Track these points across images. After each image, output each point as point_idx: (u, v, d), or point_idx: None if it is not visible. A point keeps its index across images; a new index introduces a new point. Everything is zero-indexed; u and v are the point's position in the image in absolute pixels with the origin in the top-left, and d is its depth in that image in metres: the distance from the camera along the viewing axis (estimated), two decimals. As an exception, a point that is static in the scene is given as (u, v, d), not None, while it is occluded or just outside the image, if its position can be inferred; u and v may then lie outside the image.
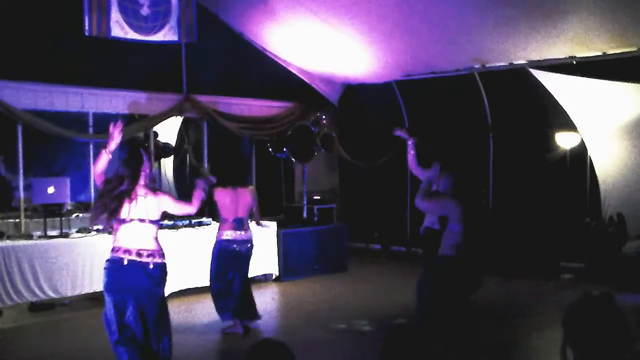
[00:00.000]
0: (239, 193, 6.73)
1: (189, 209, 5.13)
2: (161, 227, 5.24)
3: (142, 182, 4.83)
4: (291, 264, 9.57)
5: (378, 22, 9.13)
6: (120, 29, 8.51)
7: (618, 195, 9.33)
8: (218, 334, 6.73)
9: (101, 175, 4.79)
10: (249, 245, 6.76)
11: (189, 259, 8.23)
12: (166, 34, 8.99)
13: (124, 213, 4.74)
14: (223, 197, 6.68)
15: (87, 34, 8.25)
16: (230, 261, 6.69)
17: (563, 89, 9.18)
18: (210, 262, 6.84)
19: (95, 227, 8.20)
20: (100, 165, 4.79)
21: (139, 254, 4.75)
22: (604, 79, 8.57)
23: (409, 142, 6.43)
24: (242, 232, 6.69)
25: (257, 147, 10.94)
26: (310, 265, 9.80)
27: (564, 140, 9.55)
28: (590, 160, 9.54)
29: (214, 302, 6.85)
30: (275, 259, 9.40)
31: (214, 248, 6.82)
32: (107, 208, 4.69)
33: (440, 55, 9.82)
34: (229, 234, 6.67)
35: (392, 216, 11.75)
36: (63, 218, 8.09)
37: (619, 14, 7.61)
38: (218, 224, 6.92)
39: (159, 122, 9.59)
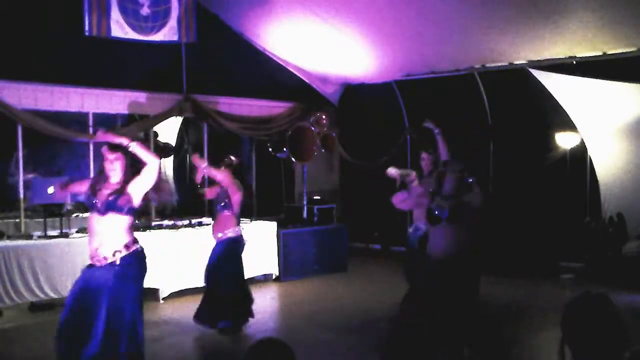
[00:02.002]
0: None
1: None
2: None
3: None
4: (291, 264, 9.57)
5: (378, 21, 9.13)
6: (120, 29, 8.51)
7: (618, 195, 9.33)
8: (218, 334, 6.71)
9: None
10: None
11: (188, 259, 8.23)
12: (166, 34, 8.99)
13: None
14: (240, 192, 6.87)
15: (87, 34, 8.25)
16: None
17: (563, 89, 9.18)
18: (233, 265, 6.83)
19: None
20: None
21: None
22: (604, 79, 8.57)
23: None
24: None
25: (257, 147, 10.94)
26: (310, 265, 9.81)
27: (564, 140, 9.56)
28: (590, 160, 9.55)
29: (236, 310, 6.75)
30: (275, 259, 9.41)
31: (237, 247, 6.84)
32: None
33: (440, 55, 9.81)
34: (239, 229, 6.89)
35: (392, 216, 11.75)
36: (63, 218, 8.09)
37: (619, 14, 7.61)
38: (233, 221, 6.89)
39: (159, 122, 9.59)
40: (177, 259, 8.29)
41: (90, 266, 4.71)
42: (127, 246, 4.74)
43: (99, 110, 8.92)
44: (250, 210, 10.42)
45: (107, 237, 4.68)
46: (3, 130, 8.31)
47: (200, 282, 8.19)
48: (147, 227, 8.51)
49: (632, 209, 9.10)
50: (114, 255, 4.67)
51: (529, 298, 8.19)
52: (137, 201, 4.76)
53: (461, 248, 5.20)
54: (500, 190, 10.37)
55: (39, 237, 7.64)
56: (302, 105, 11.13)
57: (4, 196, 9.33)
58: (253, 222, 9.58)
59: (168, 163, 11.86)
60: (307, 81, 11.40)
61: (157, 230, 8.46)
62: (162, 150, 10.92)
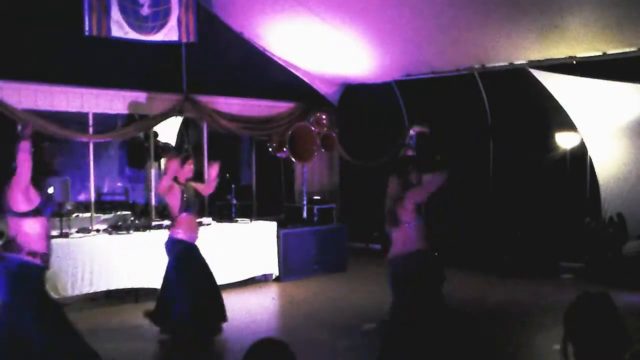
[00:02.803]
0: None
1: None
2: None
3: None
4: (291, 264, 9.57)
5: (378, 22, 9.13)
6: (120, 29, 8.51)
7: (618, 195, 9.33)
8: (217, 335, 6.70)
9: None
10: (165, 244, 6.53)
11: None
12: (166, 34, 8.99)
13: None
14: None
15: (87, 34, 8.25)
16: None
17: (563, 89, 9.18)
18: None
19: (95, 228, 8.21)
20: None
21: None
22: (604, 79, 8.57)
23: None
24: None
25: (257, 147, 10.94)
26: (310, 265, 9.81)
27: (564, 140, 9.56)
28: (590, 160, 9.55)
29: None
30: (275, 259, 9.41)
31: None
32: None
33: (440, 55, 9.82)
34: None
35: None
36: (63, 218, 8.08)
37: (619, 13, 7.61)
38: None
39: (159, 122, 9.58)
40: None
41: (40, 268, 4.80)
42: None
43: (98, 110, 8.91)
44: (250, 210, 10.43)
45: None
46: (3, 130, 8.30)
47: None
48: (147, 227, 8.51)
49: (632, 209, 9.10)
50: None
51: (529, 298, 8.19)
52: None
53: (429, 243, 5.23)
54: (500, 190, 10.37)
55: (39, 237, 7.62)
56: (302, 105, 11.13)
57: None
58: (253, 222, 9.58)
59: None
60: (307, 81, 11.40)
61: (157, 230, 8.45)
62: (162, 150, 10.92)
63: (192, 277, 6.39)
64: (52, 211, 5.24)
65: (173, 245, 6.38)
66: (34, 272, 4.76)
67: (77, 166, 9.84)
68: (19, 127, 4.84)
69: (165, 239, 6.49)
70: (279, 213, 10.64)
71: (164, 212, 10.48)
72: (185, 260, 6.39)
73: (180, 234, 6.37)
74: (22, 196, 4.71)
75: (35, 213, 4.74)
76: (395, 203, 5.03)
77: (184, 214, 6.38)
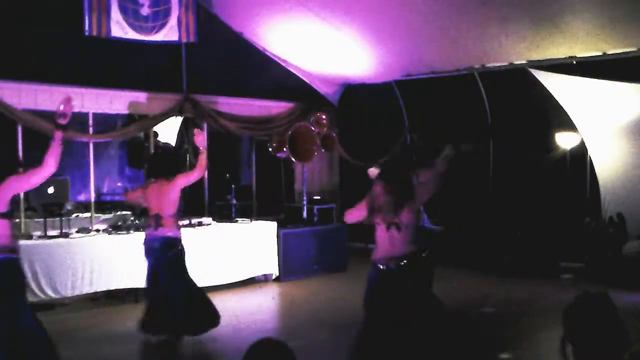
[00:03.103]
0: (162, 187, 6.26)
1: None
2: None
3: None
4: (291, 264, 9.57)
5: (378, 21, 9.13)
6: (120, 29, 8.51)
7: (618, 195, 9.33)
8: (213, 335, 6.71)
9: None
10: (157, 244, 6.16)
11: (188, 259, 8.20)
12: (166, 34, 8.99)
13: None
14: (149, 192, 6.33)
15: (87, 34, 8.26)
16: (149, 261, 6.30)
17: (563, 89, 9.18)
18: None
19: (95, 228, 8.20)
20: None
21: None
22: (604, 79, 8.57)
23: None
24: (154, 230, 6.20)
25: (257, 147, 10.94)
26: (310, 265, 9.81)
27: (564, 140, 9.56)
28: (590, 160, 9.55)
29: None
30: (275, 259, 9.41)
31: None
32: None
33: (440, 55, 9.82)
34: (147, 232, 6.33)
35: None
36: (63, 218, 8.08)
37: (619, 13, 7.61)
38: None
39: (159, 122, 9.58)
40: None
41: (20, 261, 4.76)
42: None
43: (99, 110, 8.92)
44: (250, 210, 10.44)
45: None
46: (3, 130, 8.30)
47: (201, 282, 8.21)
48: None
49: (632, 209, 9.10)
50: None
51: (529, 298, 8.19)
52: None
53: None
54: (500, 190, 10.37)
55: (39, 237, 7.63)
56: (302, 105, 11.13)
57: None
58: (253, 222, 9.58)
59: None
60: (307, 81, 11.40)
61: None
62: (162, 150, 10.91)
63: (185, 276, 6.34)
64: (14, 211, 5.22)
65: (169, 244, 6.19)
66: (20, 267, 4.71)
67: (77, 166, 9.84)
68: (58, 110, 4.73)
69: (155, 238, 6.22)
70: (279, 213, 10.64)
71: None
72: (180, 260, 6.30)
73: (172, 233, 6.21)
74: (10, 197, 4.59)
75: (10, 214, 4.62)
76: (399, 205, 4.88)
77: (174, 214, 6.29)
